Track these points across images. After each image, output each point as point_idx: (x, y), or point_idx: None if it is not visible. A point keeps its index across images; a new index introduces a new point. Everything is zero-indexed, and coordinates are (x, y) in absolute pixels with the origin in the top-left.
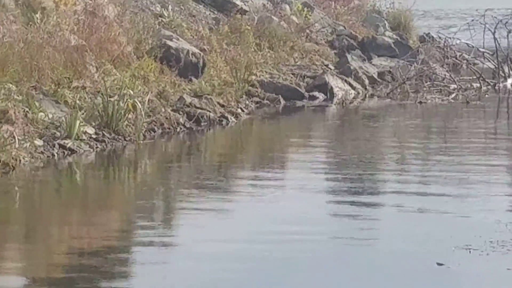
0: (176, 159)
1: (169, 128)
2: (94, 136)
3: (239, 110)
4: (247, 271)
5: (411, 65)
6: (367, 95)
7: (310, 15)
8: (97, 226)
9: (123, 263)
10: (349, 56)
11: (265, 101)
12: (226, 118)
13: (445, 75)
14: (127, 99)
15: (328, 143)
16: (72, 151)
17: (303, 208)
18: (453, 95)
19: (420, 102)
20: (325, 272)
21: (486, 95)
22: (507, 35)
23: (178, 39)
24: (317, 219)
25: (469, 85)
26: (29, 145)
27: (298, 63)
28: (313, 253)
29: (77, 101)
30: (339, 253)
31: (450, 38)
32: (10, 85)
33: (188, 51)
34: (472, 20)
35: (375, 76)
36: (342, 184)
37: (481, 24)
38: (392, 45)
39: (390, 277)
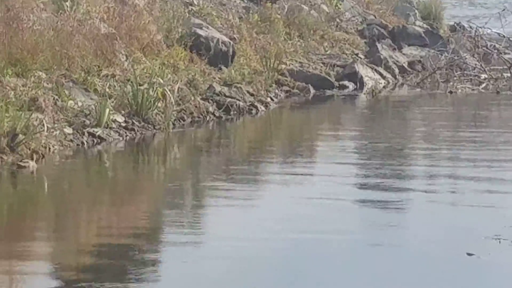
0: (205, 148)
1: (199, 117)
2: (123, 125)
3: (269, 99)
4: (274, 263)
5: (442, 55)
6: (397, 85)
7: (341, 4)
8: (126, 214)
9: (151, 251)
10: (379, 45)
11: (295, 90)
12: (256, 107)
13: (475, 64)
14: (156, 88)
15: (357, 132)
16: (101, 139)
17: (331, 197)
18: (483, 85)
19: (451, 92)
20: (354, 260)
21: None
22: None
23: (208, 28)
24: (346, 209)
25: (499, 75)
26: (59, 133)
27: (328, 52)
28: (341, 243)
29: (107, 89)
30: (367, 241)
31: (481, 27)
32: (40, 73)
33: (218, 39)
34: (503, 10)
35: (405, 65)
36: (371, 173)
37: None
38: (423, 35)
39: (420, 266)
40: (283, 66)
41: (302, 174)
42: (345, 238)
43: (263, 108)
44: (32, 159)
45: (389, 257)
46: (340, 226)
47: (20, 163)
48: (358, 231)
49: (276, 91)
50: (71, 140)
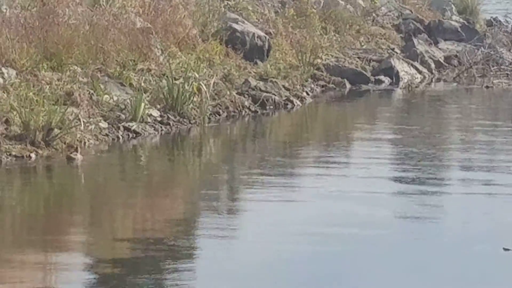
0: (241, 143)
1: (234, 112)
2: (159, 119)
3: (305, 94)
4: (311, 258)
5: (478, 50)
6: (433, 80)
7: None
8: (162, 208)
9: (187, 245)
10: (415, 40)
11: (331, 85)
12: (291, 101)
13: None
14: (192, 82)
15: (393, 127)
16: (136, 133)
17: (368, 190)
18: None
19: (487, 87)
20: (391, 254)
21: None
22: None
23: (243, 22)
24: (382, 202)
25: None
26: (94, 127)
27: (364, 47)
28: (378, 237)
29: (142, 84)
30: (403, 235)
31: None
32: (76, 67)
33: (253, 34)
34: None
35: (442, 60)
36: (407, 168)
37: None
38: (459, 29)
39: (456, 260)
40: (319, 60)
41: (338, 168)
42: (381, 232)
43: (298, 102)
44: (70, 153)
45: (425, 251)
46: (376, 219)
47: (71, 155)
48: (394, 224)
49: (312, 85)
50: (106, 135)
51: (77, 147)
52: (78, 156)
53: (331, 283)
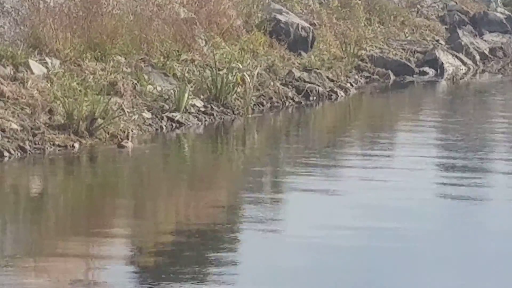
0: (284, 134)
1: (278, 102)
2: (202, 109)
3: (349, 85)
4: (350, 255)
5: None
6: (478, 71)
7: None
8: (205, 198)
9: (230, 236)
10: (460, 32)
11: (375, 76)
12: (335, 92)
13: None
14: (236, 73)
15: (438, 119)
16: (180, 124)
17: (411, 186)
18: None
19: None
20: (435, 253)
21: None
22: None
23: (287, 13)
24: (425, 198)
25: None
26: (138, 118)
27: (408, 38)
28: (419, 233)
29: (186, 74)
30: (446, 234)
31: None
32: (119, 58)
33: (297, 25)
34: None
35: (486, 52)
36: (452, 162)
37: None
38: (504, 21)
39: (502, 259)
40: (363, 52)
41: (382, 159)
42: (423, 227)
43: (342, 93)
44: (120, 141)
45: (468, 252)
46: (418, 216)
47: (121, 143)
48: (438, 222)
49: (356, 76)
50: (150, 125)
51: (128, 135)
52: (129, 144)
53: (382, 282)
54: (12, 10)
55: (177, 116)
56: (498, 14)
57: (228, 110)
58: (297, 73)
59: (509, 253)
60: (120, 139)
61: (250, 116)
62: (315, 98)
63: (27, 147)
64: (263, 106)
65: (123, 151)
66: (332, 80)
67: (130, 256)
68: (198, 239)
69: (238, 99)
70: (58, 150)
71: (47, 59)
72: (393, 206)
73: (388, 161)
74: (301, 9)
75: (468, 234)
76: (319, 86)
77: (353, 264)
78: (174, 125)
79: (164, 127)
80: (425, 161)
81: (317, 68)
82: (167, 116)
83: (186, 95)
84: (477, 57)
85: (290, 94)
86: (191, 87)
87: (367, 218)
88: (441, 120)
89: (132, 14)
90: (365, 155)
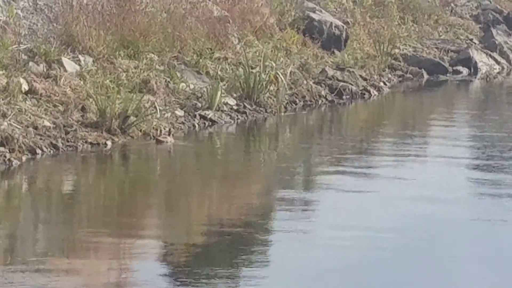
0: (317, 132)
1: (311, 101)
2: (235, 107)
3: (382, 84)
4: (388, 255)
5: None
6: (511, 71)
7: None
8: (237, 196)
9: (262, 237)
10: (494, 31)
11: (408, 75)
12: (368, 91)
13: None
14: (269, 71)
15: (472, 118)
16: (212, 122)
17: (444, 187)
18: None
19: None
20: (472, 254)
21: None
22: None
23: (321, 12)
24: (459, 199)
25: None
26: (170, 115)
27: (442, 37)
28: (455, 235)
29: (219, 72)
30: (481, 234)
31: None
32: (152, 55)
33: (331, 23)
34: None
35: None
36: (485, 162)
37: None
38: None
39: None
40: (397, 50)
41: (416, 159)
42: (459, 227)
43: (375, 92)
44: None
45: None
46: (453, 215)
47: (159, 138)
48: (475, 223)
49: (389, 75)
50: (182, 123)
51: (170, 130)
52: (168, 139)
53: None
54: (45, 8)
55: (210, 114)
56: None
57: (261, 109)
58: (330, 72)
59: None
60: (155, 136)
61: (282, 114)
62: (348, 97)
63: (60, 144)
64: (296, 104)
65: (162, 147)
66: (365, 79)
67: (162, 256)
68: (230, 238)
69: (270, 98)
70: (91, 147)
71: (80, 57)
72: (427, 206)
73: (422, 160)
74: (334, 8)
75: (501, 233)
76: (352, 84)
77: (390, 265)
78: (206, 123)
79: (197, 125)
80: (460, 161)
81: (350, 67)
82: (199, 114)
83: (219, 93)
84: (511, 56)
85: (323, 93)
86: (224, 85)
87: (400, 218)
88: (475, 119)
89: (165, 12)
90: (398, 154)
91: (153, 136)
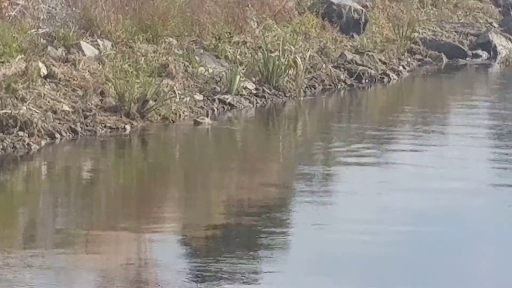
0: (336, 117)
1: (330, 85)
2: (254, 92)
3: (401, 68)
4: (404, 249)
5: None
6: None
7: None
8: (256, 183)
9: (281, 221)
10: None
11: (427, 59)
12: (388, 75)
13: None
14: (287, 55)
15: (491, 103)
16: (232, 106)
17: (463, 177)
18: None
19: None
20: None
21: None
22: None
23: None
24: (478, 190)
25: None
26: (189, 100)
27: (461, 21)
28: (474, 227)
29: (238, 56)
30: (500, 226)
31: None
32: (171, 39)
33: (350, 7)
34: None
35: None
36: (505, 152)
37: None
38: None
39: None
40: (416, 34)
41: (434, 146)
42: (475, 217)
43: (395, 76)
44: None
45: None
46: (468, 203)
47: (197, 120)
48: (487, 218)
49: (408, 59)
50: (201, 107)
51: (207, 113)
52: (206, 120)
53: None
54: None
55: (229, 98)
56: None
57: (280, 93)
58: (349, 56)
59: None
60: (206, 114)
61: (302, 98)
62: (367, 81)
63: (79, 129)
64: (315, 88)
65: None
66: (384, 63)
67: (182, 237)
68: (251, 219)
69: (289, 82)
70: (109, 132)
71: (99, 41)
72: (443, 194)
73: (437, 150)
74: None
75: None
76: (371, 68)
77: (408, 252)
78: (225, 107)
79: (216, 109)
80: (476, 151)
81: (369, 51)
82: (218, 99)
83: (238, 77)
84: None
85: (342, 77)
86: (243, 69)
87: (418, 204)
88: (494, 104)
89: None
90: (416, 143)
91: (172, 120)
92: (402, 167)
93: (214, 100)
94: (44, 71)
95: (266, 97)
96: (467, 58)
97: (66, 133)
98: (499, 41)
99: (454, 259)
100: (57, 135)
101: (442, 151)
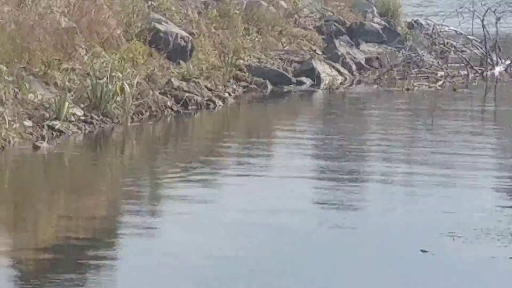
0: (163, 142)
1: (157, 111)
2: (82, 118)
3: (227, 94)
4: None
5: (399, 52)
6: (354, 81)
7: (299, 1)
8: (84, 208)
9: (108, 245)
10: (337, 42)
11: (253, 86)
12: (214, 102)
13: (432, 62)
14: (115, 82)
15: (314, 129)
16: (60, 132)
17: (287, 193)
18: (440, 82)
19: (407, 89)
20: (315, 260)
21: (474, 83)
22: (496, 23)
23: (167, 23)
24: (301, 206)
25: (456, 73)
26: (19, 126)
27: (286, 48)
28: (295, 244)
29: (67, 83)
30: (324, 239)
31: (438, 25)
32: (1, 66)
33: (177, 34)
34: (461, 7)
35: (363, 62)
36: (327, 169)
37: (470, 10)
38: (380, 31)
39: (375, 262)
40: (241, 61)
41: (259, 168)
42: (300, 235)
43: (220, 103)
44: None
45: (344, 253)
46: (296, 222)
47: (36, 144)
48: (314, 229)
49: (234, 86)
50: (31, 133)
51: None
52: (44, 145)
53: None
54: None
55: (58, 124)
56: (375, 25)
57: (108, 119)
58: (176, 83)
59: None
60: (1, 147)
61: (129, 125)
62: (193, 107)
63: None
64: (142, 115)
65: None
66: (210, 90)
67: (7, 267)
68: (76, 249)
69: (117, 108)
70: None
71: None
72: (267, 216)
73: (262, 170)
74: (180, 19)
75: (340, 241)
76: (197, 95)
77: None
78: (54, 133)
79: (46, 136)
80: (299, 170)
81: (195, 78)
82: (47, 125)
83: (67, 103)
84: (354, 67)
85: (169, 103)
86: (72, 95)
87: (243, 226)
88: (317, 130)
89: (14, 23)
90: (242, 164)
91: (2, 146)
92: (228, 190)
93: (43, 126)
94: None
95: (94, 123)
96: (292, 85)
97: None
98: (322, 68)
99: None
100: None
101: (268, 174)
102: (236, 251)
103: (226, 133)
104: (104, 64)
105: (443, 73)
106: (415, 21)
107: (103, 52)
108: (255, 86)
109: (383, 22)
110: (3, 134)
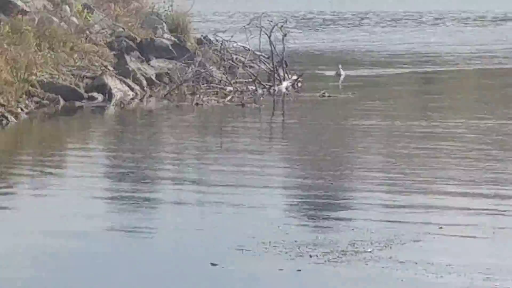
0: None
1: None
2: None
3: (19, 110)
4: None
5: (189, 67)
6: (145, 96)
7: (90, 17)
8: None
9: None
10: (127, 58)
11: (45, 101)
12: (6, 117)
13: (221, 77)
14: None
15: (105, 146)
16: None
17: (78, 205)
18: (229, 98)
19: (197, 104)
20: (98, 268)
21: (262, 98)
22: (283, 39)
23: None
24: (93, 215)
25: (245, 88)
26: None
27: (78, 64)
28: (89, 248)
29: None
30: (116, 248)
31: (227, 41)
32: None
33: None
34: (249, 24)
35: (153, 77)
36: (117, 181)
37: (257, 27)
38: (170, 47)
39: (163, 276)
40: (34, 77)
41: (54, 182)
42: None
43: (13, 119)
44: None
45: (131, 265)
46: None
47: None
48: (104, 241)
49: (27, 102)
50: None
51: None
52: None
53: None
54: None
55: None
56: (165, 41)
57: None
58: None
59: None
60: None
61: None
62: None
63: None
64: None
65: None
66: (3, 105)
67: None
68: None
69: None
70: None
71: None
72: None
73: (56, 184)
74: None
75: (127, 251)
76: None
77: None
78: None
79: None
80: (92, 184)
81: None
82: None
83: None
84: (144, 83)
85: None
86: None
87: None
88: (109, 148)
89: None
90: (34, 178)
91: None
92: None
93: None
94: None
95: None
96: (84, 101)
97: None
98: (114, 83)
99: None
100: None
101: (62, 188)
102: None
103: (19, 150)
104: None
105: (231, 89)
106: (204, 37)
107: None
108: (48, 102)
109: (173, 38)
110: None
